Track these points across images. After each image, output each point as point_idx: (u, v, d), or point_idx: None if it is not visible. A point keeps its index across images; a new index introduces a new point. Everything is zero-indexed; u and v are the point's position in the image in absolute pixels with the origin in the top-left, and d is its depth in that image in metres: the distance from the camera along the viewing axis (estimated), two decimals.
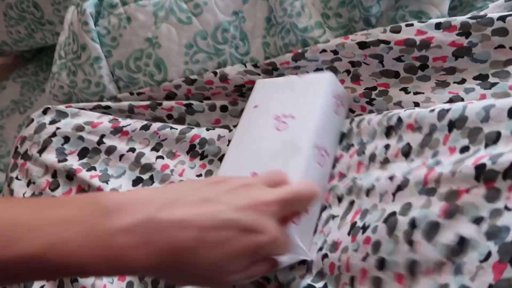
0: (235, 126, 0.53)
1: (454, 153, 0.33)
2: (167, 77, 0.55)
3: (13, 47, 0.93)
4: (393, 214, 0.32)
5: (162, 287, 0.43)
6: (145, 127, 0.52)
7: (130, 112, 0.54)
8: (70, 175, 0.48)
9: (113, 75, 0.57)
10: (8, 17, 0.86)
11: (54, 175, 0.49)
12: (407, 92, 0.45)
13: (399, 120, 0.39)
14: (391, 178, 0.35)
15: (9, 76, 1.06)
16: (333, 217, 0.39)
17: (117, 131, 0.52)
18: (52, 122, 0.51)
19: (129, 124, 0.52)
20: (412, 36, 0.43)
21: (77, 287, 0.42)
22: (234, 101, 0.55)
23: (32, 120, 0.52)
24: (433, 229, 0.29)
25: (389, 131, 0.40)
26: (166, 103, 0.54)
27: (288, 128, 0.43)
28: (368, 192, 0.36)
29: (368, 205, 0.36)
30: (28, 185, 0.49)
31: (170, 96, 0.56)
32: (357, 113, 0.48)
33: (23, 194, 0.48)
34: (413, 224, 0.30)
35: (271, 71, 0.52)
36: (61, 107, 0.53)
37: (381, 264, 0.31)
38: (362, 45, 0.46)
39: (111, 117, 0.53)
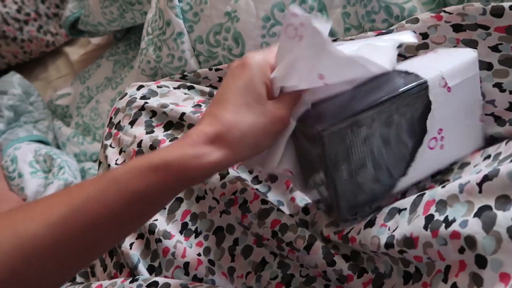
0: None
1: None
2: (244, 50, 0.56)
3: (107, 27, 1.01)
4: (488, 208, 0.29)
5: (239, 252, 0.45)
6: None
7: (210, 96, 0.56)
8: (154, 146, 0.52)
9: (194, 50, 0.59)
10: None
11: (140, 144, 0.52)
12: (501, 90, 0.40)
13: None
14: (475, 166, 0.32)
15: (103, 55, 1.16)
16: (400, 210, 0.36)
17: (197, 112, 0.54)
18: (143, 97, 0.55)
19: None
20: None
21: (161, 247, 0.45)
22: None
23: (126, 94, 0.56)
24: None
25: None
26: None
27: None
28: (444, 182, 0.33)
29: (444, 196, 0.32)
30: (120, 153, 0.53)
31: None
32: None
33: (115, 161, 0.53)
34: None
35: None
36: (153, 86, 0.56)
37: (481, 262, 0.28)
38: (457, 27, 0.41)
39: (195, 101, 0.55)
